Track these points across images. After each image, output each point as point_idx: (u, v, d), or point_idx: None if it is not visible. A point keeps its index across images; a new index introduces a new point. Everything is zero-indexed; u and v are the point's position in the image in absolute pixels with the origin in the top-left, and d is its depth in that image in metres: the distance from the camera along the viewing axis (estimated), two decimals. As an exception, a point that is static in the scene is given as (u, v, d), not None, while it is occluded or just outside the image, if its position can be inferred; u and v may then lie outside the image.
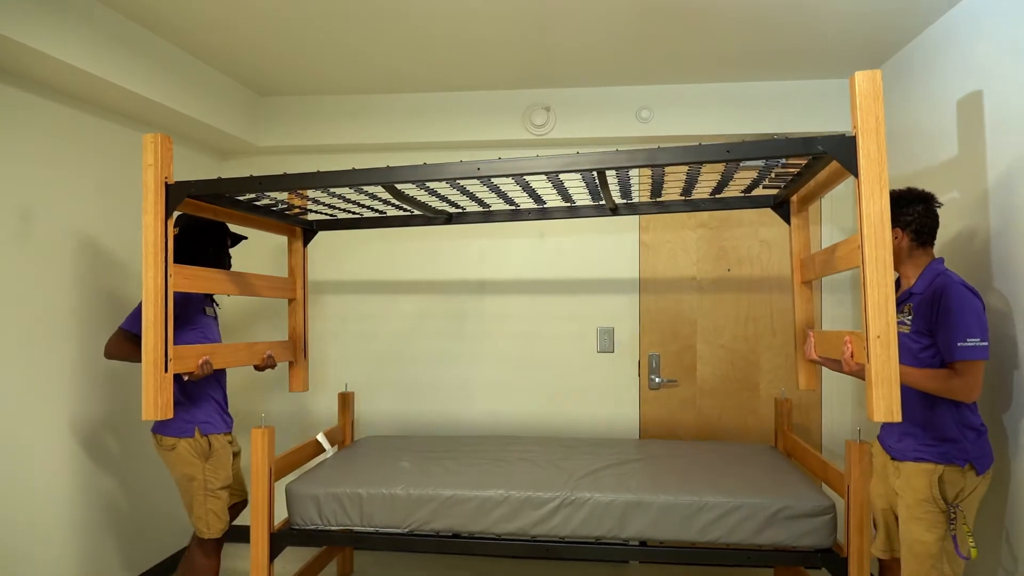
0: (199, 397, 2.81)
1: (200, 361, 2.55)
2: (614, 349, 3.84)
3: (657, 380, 3.80)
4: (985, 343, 2.12)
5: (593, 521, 2.63)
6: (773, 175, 2.59)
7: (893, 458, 2.39)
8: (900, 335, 2.30)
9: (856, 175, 1.89)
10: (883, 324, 1.85)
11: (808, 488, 2.67)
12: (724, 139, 3.72)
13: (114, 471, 3.30)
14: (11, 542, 2.74)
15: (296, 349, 3.29)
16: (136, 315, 2.65)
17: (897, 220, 2.34)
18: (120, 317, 3.30)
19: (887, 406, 1.84)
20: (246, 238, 3.15)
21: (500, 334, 3.92)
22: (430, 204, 3.15)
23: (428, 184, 2.51)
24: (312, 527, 2.76)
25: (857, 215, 1.89)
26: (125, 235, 3.34)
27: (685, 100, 3.64)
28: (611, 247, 3.85)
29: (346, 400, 3.65)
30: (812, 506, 2.55)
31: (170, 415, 2.33)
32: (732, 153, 2.01)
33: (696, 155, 2.04)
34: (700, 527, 2.58)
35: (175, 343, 2.66)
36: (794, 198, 2.90)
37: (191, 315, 2.82)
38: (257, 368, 3.06)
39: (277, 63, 3.40)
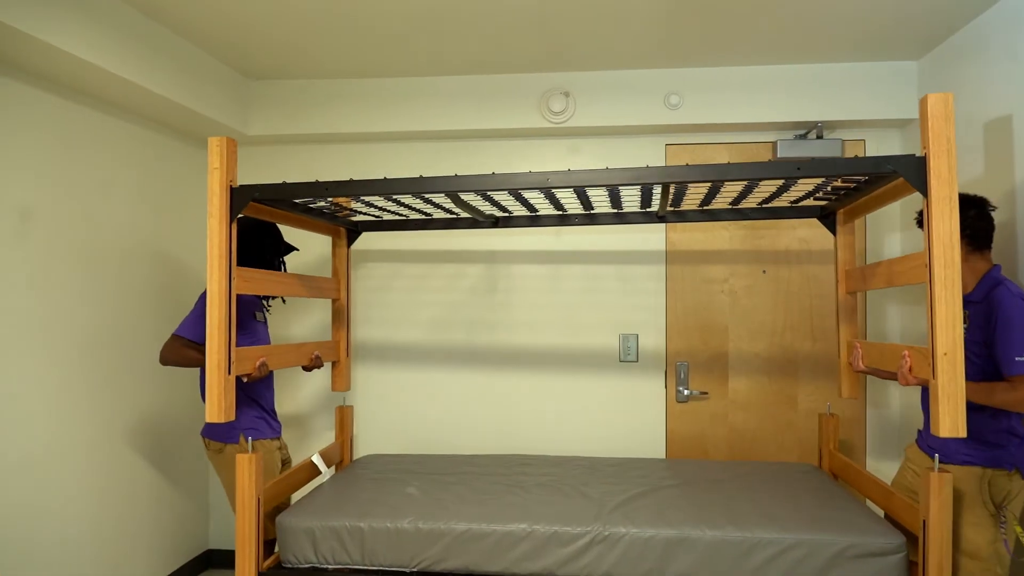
0: (244, 402, 2.83)
1: (258, 363, 2.53)
2: (638, 358, 3.50)
3: (685, 392, 3.46)
4: None
5: (630, 560, 2.29)
6: (829, 188, 2.48)
7: (933, 458, 2.36)
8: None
9: (926, 195, 1.92)
10: (950, 342, 1.88)
11: (874, 521, 2.35)
12: (761, 127, 3.39)
13: (162, 471, 3.40)
14: (60, 539, 2.80)
15: (339, 349, 3.28)
16: (192, 321, 2.69)
17: None
18: (156, 316, 3.34)
19: (952, 422, 1.87)
20: (297, 249, 3.09)
21: (512, 342, 3.58)
22: (480, 208, 2.98)
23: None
24: (307, 565, 2.41)
25: (925, 234, 1.93)
26: (116, 230, 3.00)
27: (717, 85, 3.31)
28: (635, 246, 3.52)
29: (344, 416, 3.31)
30: (883, 544, 2.22)
31: (232, 417, 2.30)
32: (803, 170, 2.02)
33: (768, 171, 2.05)
34: (753, 568, 2.25)
35: (229, 347, 2.74)
36: (841, 210, 2.86)
37: (243, 320, 2.83)
38: (305, 368, 3.03)
39: (267, 43, 3.05)
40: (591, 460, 3.15)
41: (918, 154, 1.96)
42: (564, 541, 2.31)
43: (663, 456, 3.49)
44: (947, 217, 1.91)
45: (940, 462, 2.35)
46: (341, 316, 3.30)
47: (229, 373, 2.30)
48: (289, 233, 3.65)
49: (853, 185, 2.47)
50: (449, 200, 2.64)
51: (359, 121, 3.48)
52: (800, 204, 3.00)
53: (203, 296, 2.75)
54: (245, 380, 2.55)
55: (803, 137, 3.39)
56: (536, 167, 3.55)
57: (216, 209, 2.29)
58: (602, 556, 2.30)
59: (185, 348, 2.68)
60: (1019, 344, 2.10)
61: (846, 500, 2.56)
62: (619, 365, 3.52)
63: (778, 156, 3.38)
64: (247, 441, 2.76)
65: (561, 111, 3.33)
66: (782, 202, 2.97)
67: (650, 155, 3.50)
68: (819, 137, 3.36)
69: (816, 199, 2.78)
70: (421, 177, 2.28)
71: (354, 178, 3.64)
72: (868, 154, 3.41)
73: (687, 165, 2.10)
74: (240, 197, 2.33)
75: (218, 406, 2.27)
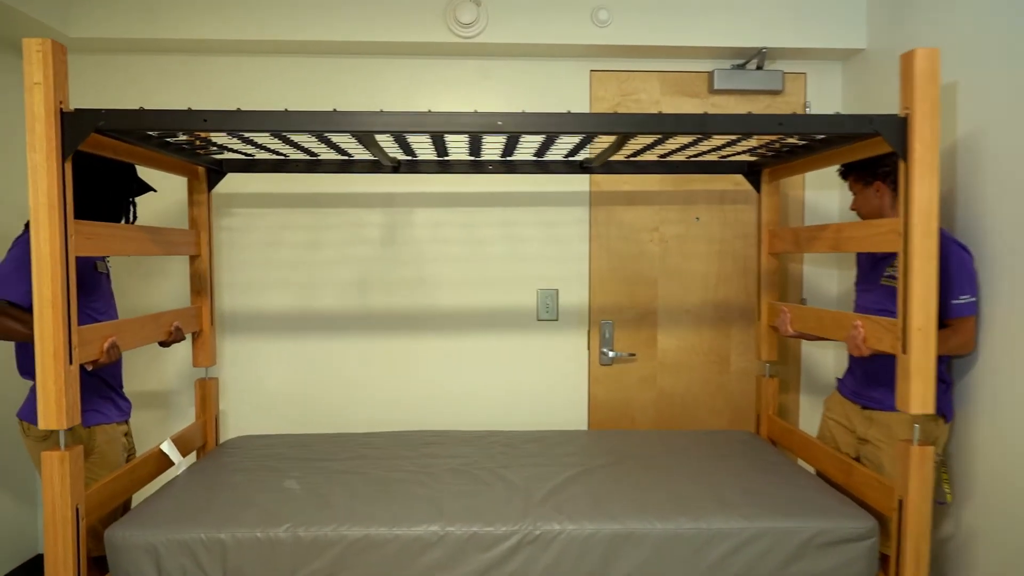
0: (82, 376, 2.15)
1: (106, 344, 1.95)
2: (558, 316, 3.07)
3: (610, 354, 3.07)
4: (975, 299, 2.12)
5: (566, 564, 1.88)
6: (778, 144, 2.27)
7: (865, 407, 2.30)
8: (891, 289, 2.19)
9: (905, 159, 1.82)
10: (925, 316, 1.80)
11: (838, 501, 2.05)
12: (696, 53, 2.98)
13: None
14: None
15: (202, 316, 2.69)
16: (14, 276, 2.01)
17: (875, 173, 2.22)
18: None
19: (923, 398, 1.80)
20: (154, 190, 2.45)
21: (414, 297, 3.06)
22: (386, 150, 2.51)
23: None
24: (148, 592, 1.85)
25: (902, 200, 1.83)
26: None
27: (652, 1, 2.86)
28: (555, 192, 3.05)
29: (207, 390, 2.70)
30: (853, 528, 1.92)
31: (78, 420, 1.78)
32: (785, 126, 1.87)
33: (749, 126, 1.87)
34: (710, 564, 1.90)
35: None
36: (768, 169, 2.71)
37: (83, 275, 2.16)
38: (163, 344, 2.44)
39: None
40: (508, 435, 2.71)
41: (892, 109, 2.03)
42: (486, 544, 1.87)
43: (585, 426, 3.11)
44: (928, 183, 1.79)
45: (866, 407, 2.30)
46: (203, 277, 2.68)
47: (71, 363, 1.75)
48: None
49: (804, 143, 2.23)
50: (354, 140, 2.11)
51: (227, 27, 2.77)
52: (728, 159, 2.73)
53: (20, 241, 2.07)
54: (90, 368, 1.98)
55: (741, 67, 3.02)
56: (440, 93, 3.00)
57: (41, 141, 1.69)
58: (532, 560, 1.87)
59: (5, 318, 2.00)
60: (957, 287, 2.09)
61: (799, 475, 2.26)
62: (537, 324, 3.07)
63: (715, 87, 3.00)
64: (85, 428, 2.19)
65: (471, 23, 2.78)
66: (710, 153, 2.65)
67: (573, 82, 3.02)
68: (759, 67, 3.00)
69: (753, 154, 2.54)
70: (334, 111, 1.81)
71: (211, 99, 2.96)
72: (808, 89, 3.09)
73: (659, 114, 1.86)
74: (77, 126, 1.74)
75: (56, 406, 1.72)
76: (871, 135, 1.91)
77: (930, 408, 1.79)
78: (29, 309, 2.00)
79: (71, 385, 1.75)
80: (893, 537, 1.91)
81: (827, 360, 3.14)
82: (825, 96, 3.08)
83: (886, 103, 2.72)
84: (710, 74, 3.03)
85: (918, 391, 1.79)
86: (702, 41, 2.86)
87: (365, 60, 2.98)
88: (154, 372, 3.04)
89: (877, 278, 2.28)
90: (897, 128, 1.83)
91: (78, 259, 2.14)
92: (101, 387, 2.27)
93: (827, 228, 2.28)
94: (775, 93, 3.05)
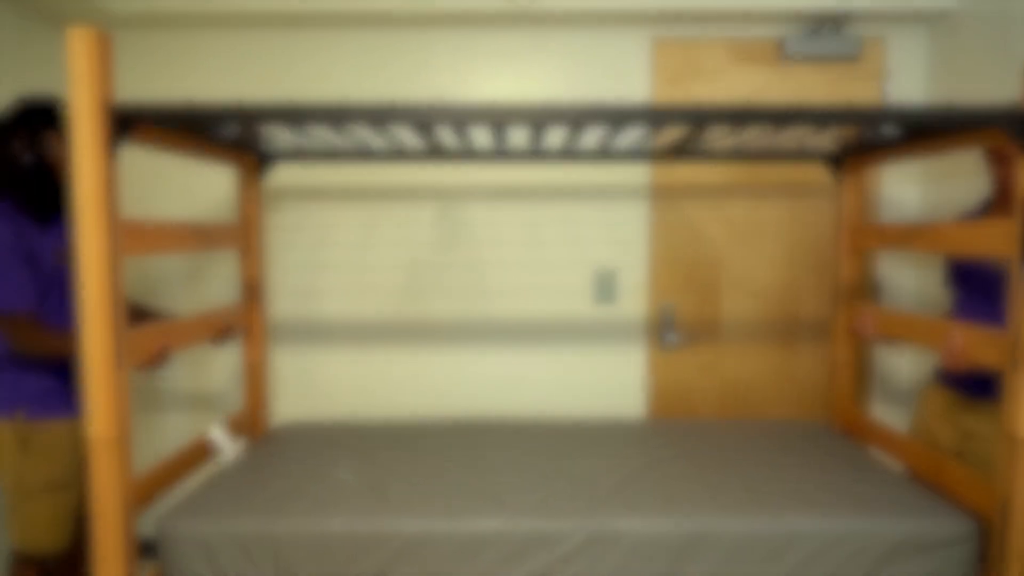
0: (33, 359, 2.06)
1: (157, 347, 1.89)
2: (615, 299, 2.93)
3: (672, 338, 2.92)
4: None
5: (636, 564, 1.76)
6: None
7: (972, 397, 2.06)
8: None
9: None
10: None
11: (933, 502, 1.88)
12: (766, 19, 2.77)
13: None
14: None
15: (253, 311, 2.58)
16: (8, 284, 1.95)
17: None
18: None
19: None
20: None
21: (465, 282, 2.95)
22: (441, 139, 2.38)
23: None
24: (200, 585, 1.79)
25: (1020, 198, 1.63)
26: None
27: (719, -40, 2.67)
28: (615, 169, 2.90)
29: (255, 374, 2.63)
30: (952, 531, 1.75)
31: (128, 428, 1.73)
32: (888, 115, 1.71)
33: (863, 119, 1.70)
34: (791, 567, 1.76)
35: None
36: (852, 157, 2.47)
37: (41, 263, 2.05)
38: (215, 342, 2.33)
39: None
40: (566, 424, 2.59)
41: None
42: (549, 542, 1.76)
43: (644, 414, 2.97)
44: None
45: (974, 396, 2.05)
46: (252, 269, 2.57)
47: (120, 368, 1.70)
48: (173, 169, 2.86)
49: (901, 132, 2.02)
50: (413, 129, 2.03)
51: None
52: (806, 147, 2.49)
53: None
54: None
55: (815, 32, 2.81)
56: (493, 66, 2.86)
57: (87, 138, 1.62)
58: (599, 560, 1.75)
59: (32, 330, 1.96)
60: None
61: (883, 471, 2.09)
62: (594, 307, 2.94)
63: (785, 55, 2.80)
64: (26, 421, 2.06)
65: (526, -11, 2.63)
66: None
67: (634, 53, 2.85)
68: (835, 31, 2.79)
69: (836, 141, 2.29)
70: (393, 103, 1.70)
71: (259, 75, 2.86)
72: (888, 56, 2.86)
73: (759, 104, 1.71)
74: (123, 120, 1.67)
75: (107, 415, 1.66)
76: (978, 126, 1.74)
77: None
78: (24, 313, 1.97)
79: (121, 392, 1.70)
80: (994, 541, 1.75)
81: (902, 360, 2.94)
82: (907, 64, 2.85)
83: (979, 74, 2.50)
84: (780, 40, 2.83)
85: None
86: (777, 3, 2.66)
87: (411, 31, 2.85)
88: (203, 373, 2.99)
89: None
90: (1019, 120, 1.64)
91: (34, 248, 2.05)
92: (55, 375, 2.10)
93: (924, 226, 2.05)
94: (850, 60, 2.84)
